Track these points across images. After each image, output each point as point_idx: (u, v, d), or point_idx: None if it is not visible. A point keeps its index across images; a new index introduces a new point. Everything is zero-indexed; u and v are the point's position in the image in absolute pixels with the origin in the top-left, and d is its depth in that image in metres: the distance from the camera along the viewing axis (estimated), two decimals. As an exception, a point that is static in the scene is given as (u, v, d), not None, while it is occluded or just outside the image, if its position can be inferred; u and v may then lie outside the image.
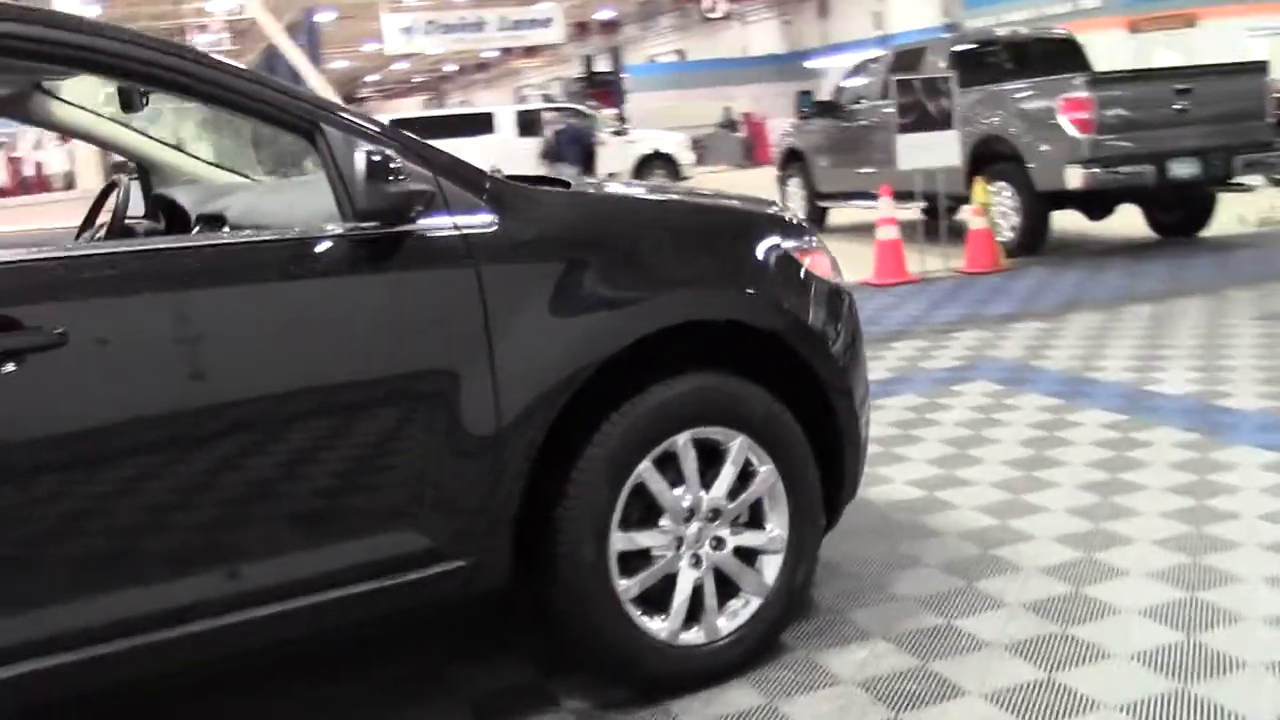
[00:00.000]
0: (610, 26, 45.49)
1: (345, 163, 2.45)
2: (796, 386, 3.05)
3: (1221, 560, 3.48)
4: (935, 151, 9.56)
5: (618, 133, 25.42)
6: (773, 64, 43.75)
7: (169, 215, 3.35)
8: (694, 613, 2.91)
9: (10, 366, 2.11)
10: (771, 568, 3.01)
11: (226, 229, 3.04)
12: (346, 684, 3.09)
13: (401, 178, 2.41)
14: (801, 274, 3.09)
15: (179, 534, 2.29)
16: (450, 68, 59.49)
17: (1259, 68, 10.23)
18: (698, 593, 2.91)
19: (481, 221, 2.60)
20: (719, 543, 2.93)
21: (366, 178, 2.36)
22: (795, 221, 3.25)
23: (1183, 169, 9.61)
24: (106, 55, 2.35)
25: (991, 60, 11.60)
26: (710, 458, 2.91)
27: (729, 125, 37.49)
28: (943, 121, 9.61)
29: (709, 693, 2.89)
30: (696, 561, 2.90)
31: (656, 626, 2.84)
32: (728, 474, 2.92)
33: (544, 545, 2.70)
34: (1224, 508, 3.91)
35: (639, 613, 2.82)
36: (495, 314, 2.56)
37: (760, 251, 3.04)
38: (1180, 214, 10.84)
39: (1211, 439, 4.68)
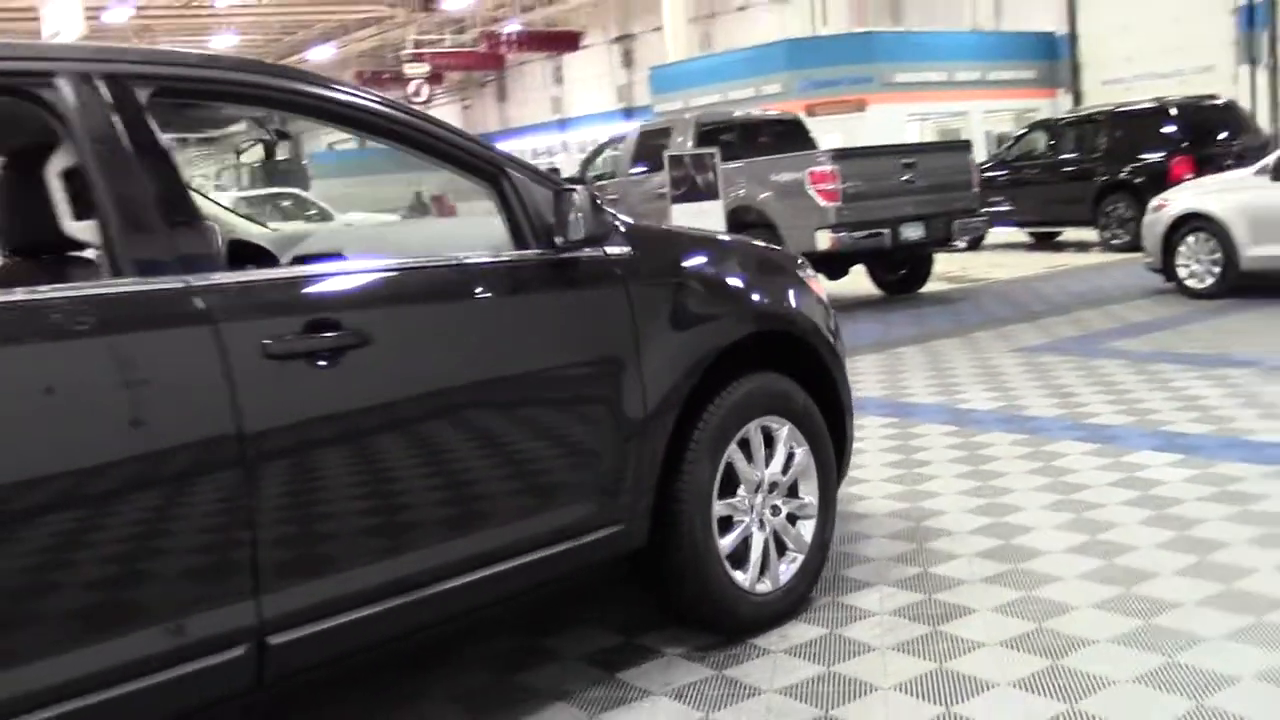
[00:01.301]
0: (290, 110, 45.13)
1: (535, 200, 3.06)
2: (810, 383, 3.81)
3: (1099, 514, 4.48)
4: (705, 220, 10.60)
5: (323, 217, 25.46)
6: (455, 147, 44.63)
7: (247, 260, 3.74)
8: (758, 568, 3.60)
9: (331, 360, 2.59)
10: (808, 529, 3.74)
11: None
12: (454, 665, 3.57)
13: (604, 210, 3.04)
14: (814, 294, 3.88)
15: (448, 500, 2.81)
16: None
17: (965, 146, 11.96)
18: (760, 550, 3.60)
19: (623, 251, 3.25)
20: (775, 509, 3.64)
21: (592, 210, 2.98)
22: (799, 255, 4.04)
23: (912, 232, 11.08)
24: (342, 106, 2.89)
25: (729, 138, 12.87)
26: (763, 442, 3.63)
27: (420, 208, 38.02)
28: (708, 192, 10.70)
29: (779, 630, 3.58)
30: (760, 525, 3.60)
31: (741, 578, 3.51)
32: (780, 454, 3.65)
33: (666, 513, 3.32)
34: (1074, 481, 4.94)
35: (730, 567, 3.49)
36: (640, 323, 3.21)
37: (791, 277, 3.82)
38: (903, 273, 12.36)
39: (1034, 438, 5.76)
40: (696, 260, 3.55)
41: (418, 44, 36.30)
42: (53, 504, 2.21)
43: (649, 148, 12.95)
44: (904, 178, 11.12)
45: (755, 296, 3.64)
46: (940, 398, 6.93)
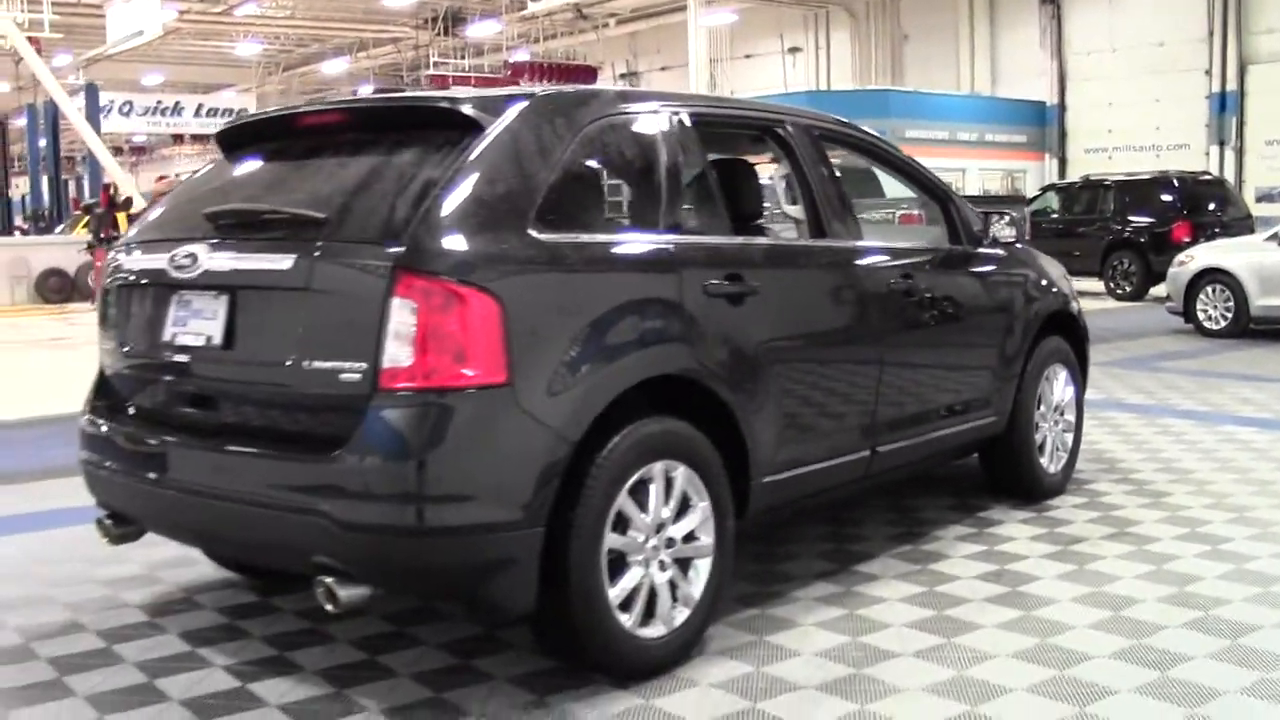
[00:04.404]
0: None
1: (966, 215, 5.33)
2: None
3: (1219, 454, 6.79)
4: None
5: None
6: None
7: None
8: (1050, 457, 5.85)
9: (910, 296, 4.84)
10: (1069, 439, 6.04)
11: None
12: (871, 507, 5.75)
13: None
14: (1074, 292, 6.18)
15: (944, 381, 5.11)
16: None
17: (1022, 200, 14.39)
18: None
19: (1003, 252, 5.53)
20: (1055, 423, 5.90)
21: (1021, 223, 5.24)
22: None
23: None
24: (889, 155, 5.15)
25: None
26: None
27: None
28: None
29: (1058, 499, 5.84)
30: (1049, 432, 5.85)
31: (1044, 463, 5.77)
32: (1060, 389, 5.92)
33: (1012, 413, 5.56)
34: (1189, 439, 7.28)
35: (1036, 456, 5.75)
36: (1013, 294, 5.49)
37: (1068, 281, 6.13)
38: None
39: (1143, 417, 8.10)
40: (1035, 263, 5.84)
41: (437, 65, 38.27)
42: (823, 354, 4.45)
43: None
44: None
45: (1058, 289, 5.94)
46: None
